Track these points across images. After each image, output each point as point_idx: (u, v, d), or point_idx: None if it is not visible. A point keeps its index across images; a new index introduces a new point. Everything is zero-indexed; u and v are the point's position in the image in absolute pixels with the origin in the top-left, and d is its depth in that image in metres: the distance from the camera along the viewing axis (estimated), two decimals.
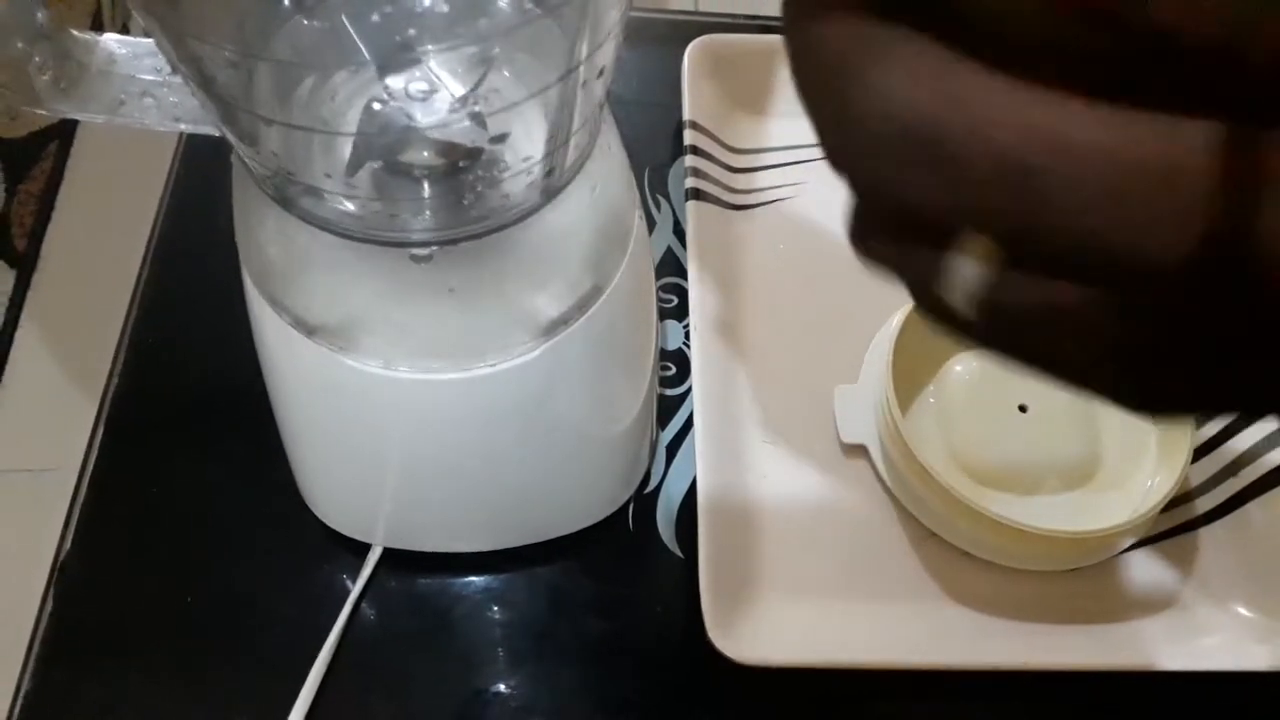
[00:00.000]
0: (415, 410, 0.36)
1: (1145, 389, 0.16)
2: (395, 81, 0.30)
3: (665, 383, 0.50)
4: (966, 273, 0.15)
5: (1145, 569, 0.45)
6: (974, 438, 0.46)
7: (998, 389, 0.48)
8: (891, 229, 0.16)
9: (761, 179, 0.55)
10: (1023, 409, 0.47)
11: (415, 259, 0.31)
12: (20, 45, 0.31)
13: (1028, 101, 0.13)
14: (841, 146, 0.15)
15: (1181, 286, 0.13)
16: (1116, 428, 0.47)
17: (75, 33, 0.33)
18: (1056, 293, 0.15)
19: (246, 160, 0.31)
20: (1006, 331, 0.16)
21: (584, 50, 0.28)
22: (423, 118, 0.30)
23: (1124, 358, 0.15)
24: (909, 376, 0.47)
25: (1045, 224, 0.13)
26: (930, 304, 0.16)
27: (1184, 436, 0.44)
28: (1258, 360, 0.14)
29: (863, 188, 0.16)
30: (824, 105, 0.15)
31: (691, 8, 0.66)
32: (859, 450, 0.47)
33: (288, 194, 0.31)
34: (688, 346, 0.49)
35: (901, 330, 0.46)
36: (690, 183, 0.52)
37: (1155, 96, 0.13)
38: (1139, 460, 0.46)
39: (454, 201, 0.31)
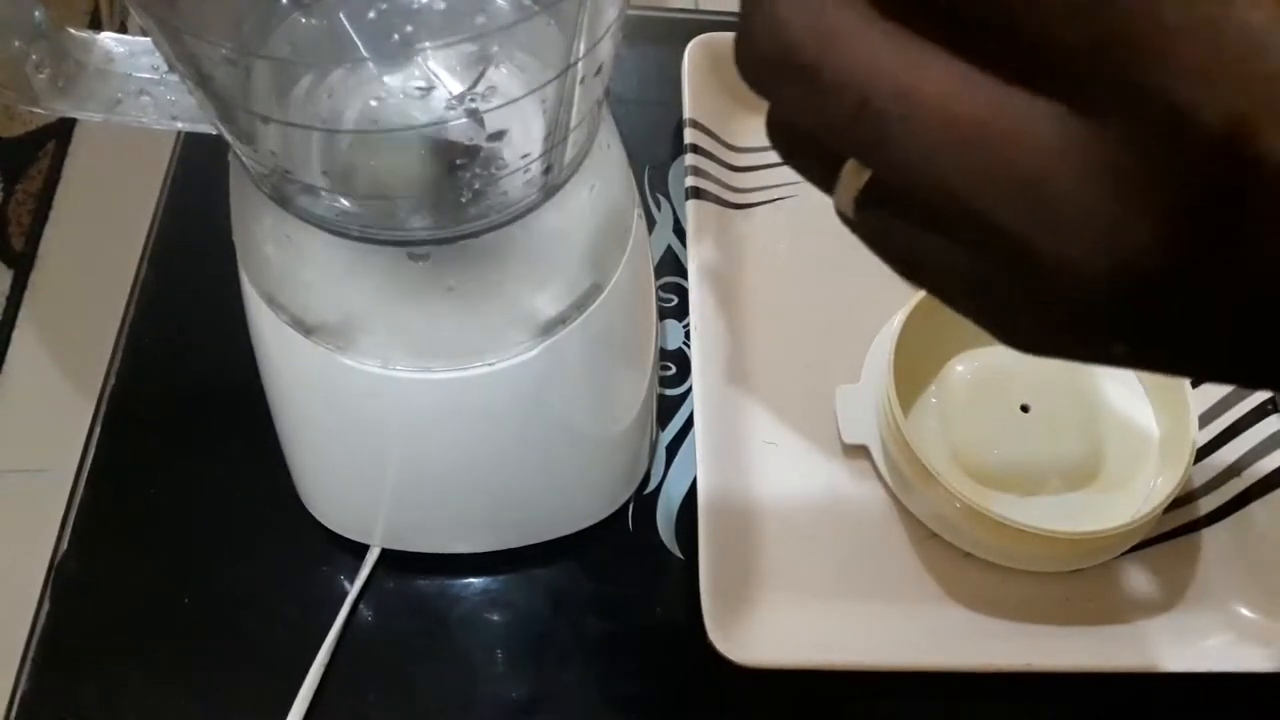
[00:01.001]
0: (413, 410, 0.36)
1: (989, 316, 0.18)
2: (393, 79, 0.30)
3: (665, 383, 0.50)
4: (843, 181, 0.18)
5: (1147, 570, 0.45)
6: (976, 438, 0.46)
7: (1000, 389, 0.47)
8: (788, 134, 0.19)
9: (762, 178, 0.55)
10: (1025, 409, 0.47)
11: (413, 258, 0.31)
12: (18, 44, 0.31)
13: (889, 49, 0.15)
14: (741, 58, 0.17)
15: (999, 239, 0.15)
16: (1119, 428, 0.47)
17: (73, 31, 0.33)
18: (911, 217, 0.17)
19: (244, 159, 0.31)
20: (877, 240, 0.19)
21: (582, 47, 0.28)
22: (420, 116, 0.30)
23: (969, 286, 0.17)
24: (910, 376, 0.46)
25: (889, 160, 0.15)
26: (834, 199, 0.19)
27: (1187, 437, 0.44)
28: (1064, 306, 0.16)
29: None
30: (739, 17, 0.17)
31: (691, 6, 0.66)
32: (860, 450, 0.47)
33: (285, 192, 0.31)
34: (688, 346, 0.49)
35: (903, 330, 0.45)
36: (690, 181, 0.52)
37: (1006, 62, 0.14)
38: (1141, 461, 0.46)
39: (452, 200, 0.31)
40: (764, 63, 0.16)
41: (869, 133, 0.15)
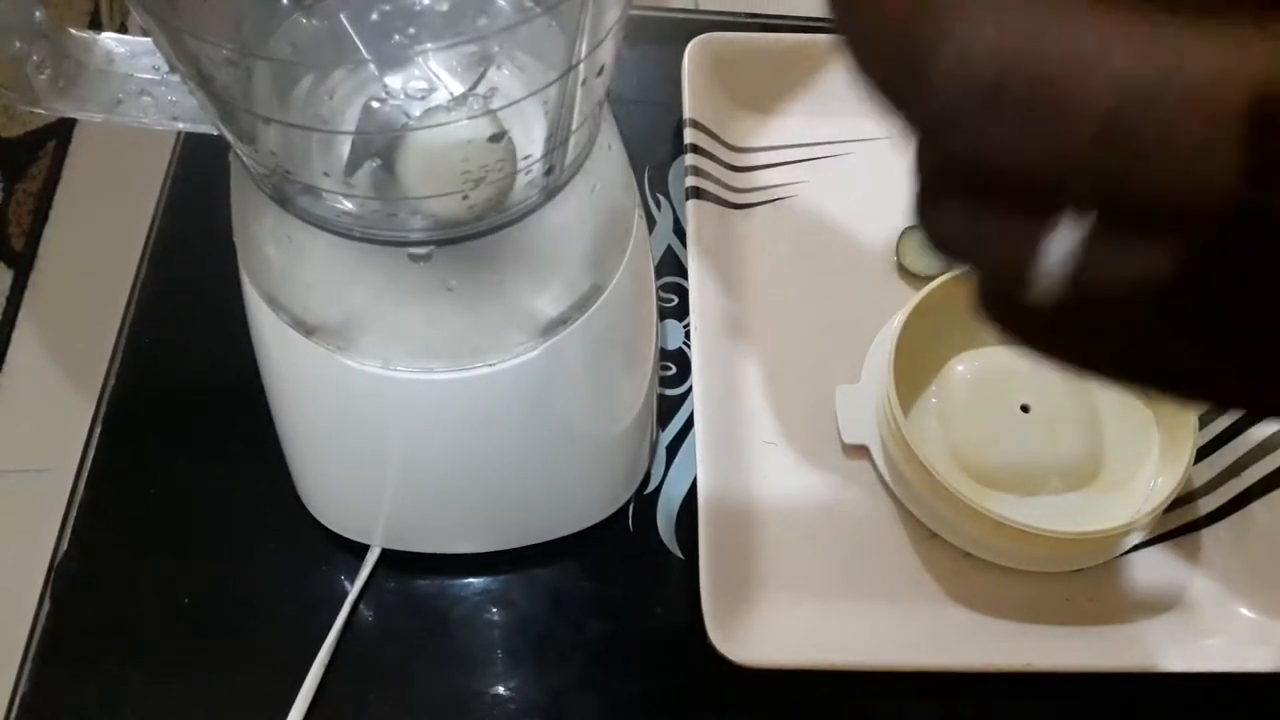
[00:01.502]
0: (414, 410, 0.36)
1: (1205, 383, 0.15)
2: (394, 80, 0.30)
3: (665, 383, 0.50)
4: (1058, 242, 0.14)
5: (1148, 570, 0.45)
6: (976, 438, 0.46)
7: (1000, 389, 0.47)
8: (976, 198, 0.15)
9: (762, 178, 0.55)
10: (1025, 409, 0.47)
11: (414, 258, 0.31)
12: (18, 44, 0.31)
13: (1130, 28, 0.12)
14: (923, 112, 0.14)
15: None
16: (1119, 428, 0.47)
17: (73, 31, 0.33)
18: (1152, 257, 0.13)
19: (245, 159, 0.31)
20: (1088, 313, 0.14)
21: (584, 48, 0.28)
22: (420, 116, 0.30)
23: (1200, 346, 0.14)
24: (910, 376, 0.46)
25: (1163, 162, 0.12)
26: (1000, 296, 0.15)
27: (1187, 437, 0.44)
28: None
29: (949, 153, 0.14)
30: (898, 72, 0.14)
31: (692, 6, 0.66)
32: (860, 450, 0.47)
33: (286, 193, 0.31)
34: (688, 346, 0.49)
35: (903, 330, 0.45)
36: (690, 181, 0.52)
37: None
38: (1142, 461, 0.46)
39: (453, 200, 0.31)
40: (969, 104, 0.13)
41: (1128, 142, 0.12)
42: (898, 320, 0.46)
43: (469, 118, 0.29)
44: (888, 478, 0.46)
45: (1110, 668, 0.42)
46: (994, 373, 0.48)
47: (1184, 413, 0.45)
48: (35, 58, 0.31)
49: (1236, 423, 0.47)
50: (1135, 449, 0.46)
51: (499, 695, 0.43)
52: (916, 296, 0.46)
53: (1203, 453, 0.47)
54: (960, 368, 0.48)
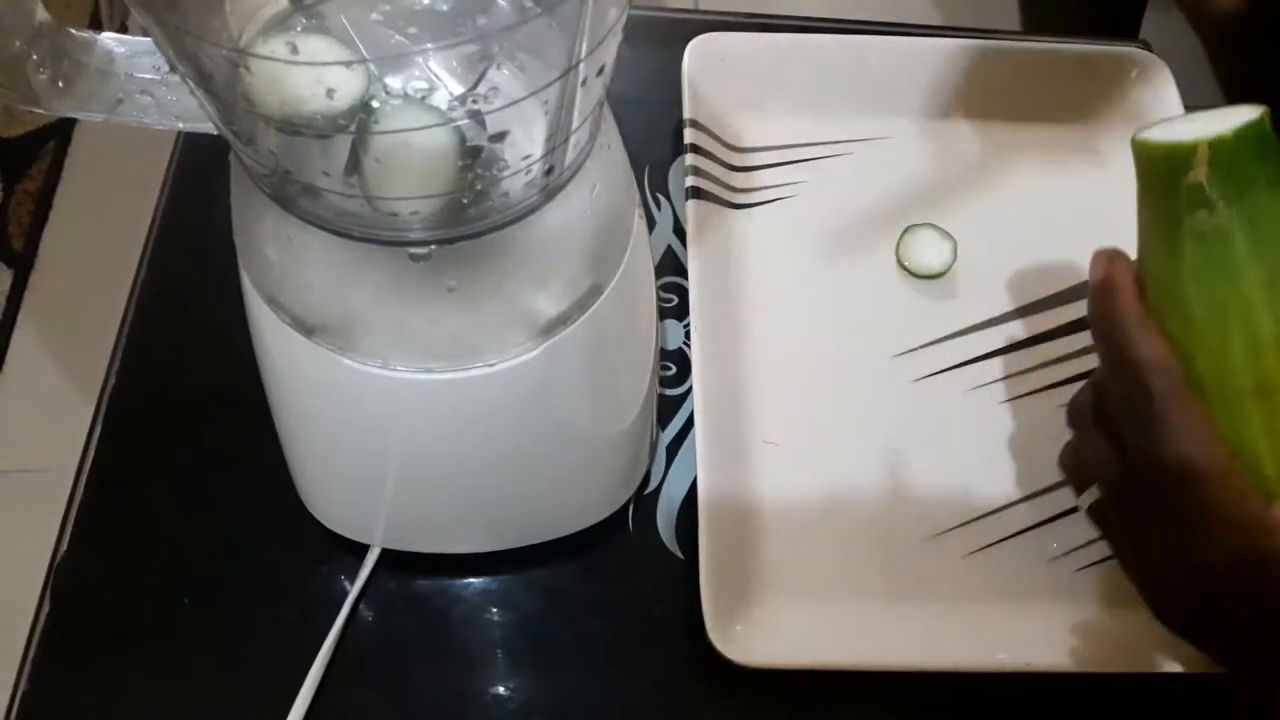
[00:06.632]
0: (414, 410, 0.36)
1: None
2: (394, 80, 0.30)
3: (665, 383, 0.50)
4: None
5: None
6: None
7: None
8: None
9: (762, 178, 0.55)
10: None
11: (414, 258, 0.31)
12: (18, 44, 0.31)
13: None
14: None
15: None
16: None
17: (73, 31, 0.33)
18: None
19: (245, 159, 0.31)
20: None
21: (584, 48, 0.28)
22: (421, 116, 0.30)
23: None
24: None
25: None
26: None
27: None
28: None
29: None
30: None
31: (691, 6, 0.66)
32: (860, 450, 0.47)
33: (286, 193, 0.31)
34: (688, 346, 0.49)
35: None
36: (690, 181, 0.52)
37: None
38: None
39: (453, 200, 0.31)
40: None
41: None
42: None
43: (469, 118, 0.29)
44: None
45: (1110, 668, 0.42)
46: None
47: None
48: (35, 57, 0.31)
49: None
50: None
51: (499, 695, 0.43)
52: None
53: None
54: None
